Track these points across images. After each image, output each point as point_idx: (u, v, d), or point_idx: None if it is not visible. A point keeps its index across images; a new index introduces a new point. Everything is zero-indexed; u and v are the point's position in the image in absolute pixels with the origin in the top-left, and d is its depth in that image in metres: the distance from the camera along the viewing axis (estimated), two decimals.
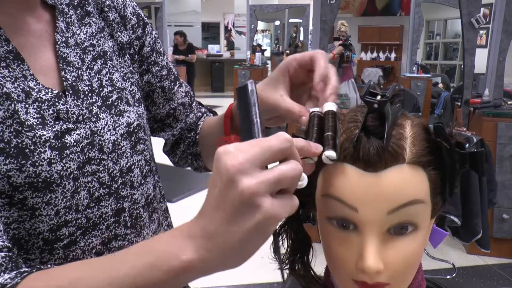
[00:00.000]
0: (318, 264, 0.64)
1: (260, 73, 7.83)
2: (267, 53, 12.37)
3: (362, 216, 0.50)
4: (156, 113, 0.86)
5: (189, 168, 0.95)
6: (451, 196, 0.55)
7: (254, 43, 9.25)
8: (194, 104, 0.91)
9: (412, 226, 0.51)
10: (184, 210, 3.76)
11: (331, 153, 0.47)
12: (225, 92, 10.45)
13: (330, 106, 0.53)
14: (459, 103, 3.59)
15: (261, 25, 12.06)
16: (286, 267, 0.62)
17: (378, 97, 0.50)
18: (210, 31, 13.19)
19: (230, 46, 12.58)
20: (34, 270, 0.50)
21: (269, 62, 10.93)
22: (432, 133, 0.52)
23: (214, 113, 0.95)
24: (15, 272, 0.50)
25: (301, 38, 9.92)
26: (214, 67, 11.08)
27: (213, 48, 11.51)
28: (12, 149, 0.56)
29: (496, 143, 2.95)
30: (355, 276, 0.52)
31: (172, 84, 0.85)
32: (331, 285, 0.62)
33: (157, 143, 0.82)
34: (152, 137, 0.82)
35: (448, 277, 2.65)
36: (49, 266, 0.55)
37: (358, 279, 0.51)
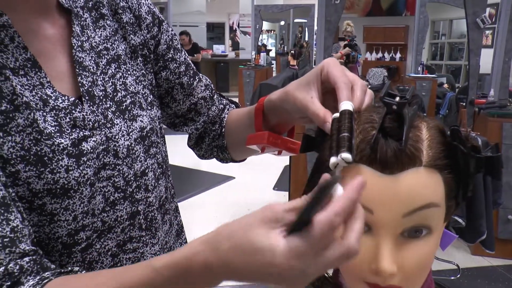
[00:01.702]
0: None
1: (264, 73, 7.83)
2: (272, 53, 12.36)
3: (377, 218, 0.49)
4: (177, 109, 0.85)
5: (214, 159, 0.95)
6: (464, 200, 0.55)
7: (259, 43, 9.25)
8: (215, 97, 0.91)
9: (427, 230, 0.51)
10: (188, 209, 3.77)
11: (347, 156, 0.46)
12: (230, 92, 10.45)
13: (346, 105, 0.52)
14: (464, 104, 3.58)
15: (266, 25, 12.05)
16: None
17: (397, 99, 0.50)
18: (215, 31, 13.19)
19: (235, 46, 12.57)
20: (52, 278, 0.52)
21: (274, 62, 10.92)
22: (448, 136, 0.52)
23: (237, 105, 0.95)
24: (38, 277, 0.52)
25: (306, 38, 9.89)
26: (219, 67, 11.09)
27: (218, 48, 11.52)
28: (32, 157, 0.57)
29: (501, 143, 2.94)
30: (367, 278, 0.51)
31: (191, 79, 0.85)
32: (340, 286, 0.62)
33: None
34: (165, 136, 0.82)
35: (452, 278, 2.64)
36: (69, 268, 0.57)
37: (370, 281, 0.51)
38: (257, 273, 0.41)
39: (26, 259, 0.53)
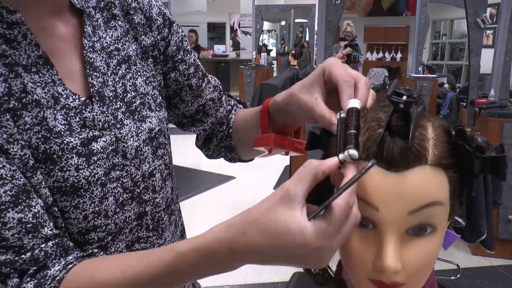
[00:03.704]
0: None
1: (265, 73, 7.83)
2: (273, 53, 12.35)
3: (382, 215, 0.50)
4: (185, 110, 0.86)
5: (222, 159, 0.96)
6: (468, 200, 0.55)
7: (260, 43, 9.24)
8: (223, 98, 0.91)
9: (431, 228, 0.51)
10: (188, 209, 3.78)
11: (354, 152, 0.47)
12: (231, 92, 10.39)
13: (354, 103, 0.52)
14: (465, 104, 3.57)
15: (266, 25, 12.04)
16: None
17: (404, 97, 0.50)
18: (216, 32, 13.20)
19: (236, 46, 12.57)
20: (76, 262, 0.56)
21: (274, 62, 10.91)
22: (453, 136, 0.52)
23: (244, 105, 0.95)
24: (63, 262, 0.56)
25: (307, 38, 9.89)
26: (220, 67, 11.08)
27: (219, 49, 11.50)
28: (40, 155, 0.57)
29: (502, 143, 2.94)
30: (372, 275, 0.52)
31: (200, 81, 0.85)
32: (343, 282, 0.62)
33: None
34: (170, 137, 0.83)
35: (452, 278, 2.64)
36: (90, 251, 0.61)
37: (374, 278, 0.52)
38: (285, 254, 0.45)
39: (50, 243, 0.56)
